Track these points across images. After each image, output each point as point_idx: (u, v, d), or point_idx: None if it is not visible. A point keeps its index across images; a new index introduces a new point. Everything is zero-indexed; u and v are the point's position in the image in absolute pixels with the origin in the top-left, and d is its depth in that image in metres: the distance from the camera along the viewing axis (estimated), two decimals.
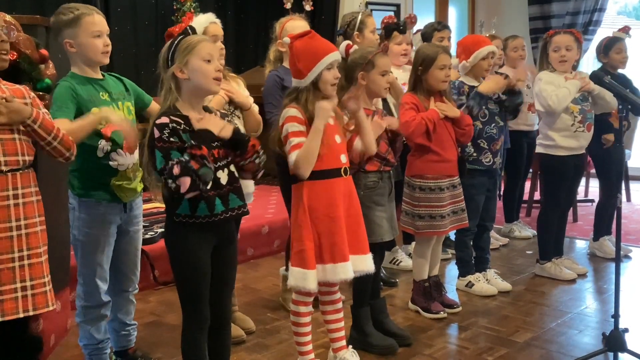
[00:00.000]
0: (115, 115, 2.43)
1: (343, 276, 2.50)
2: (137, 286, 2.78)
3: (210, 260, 2.25)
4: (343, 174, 2.55)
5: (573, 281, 3.93)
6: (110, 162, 2.46)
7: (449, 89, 3.36)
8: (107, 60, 2.52)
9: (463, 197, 3.35)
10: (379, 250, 2.93)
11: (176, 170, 2.03)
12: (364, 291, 2.98)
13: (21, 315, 2.13)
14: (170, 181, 2.04)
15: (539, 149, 3.97)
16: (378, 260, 2.94)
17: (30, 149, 2.22)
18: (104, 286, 2.59)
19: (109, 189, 2.49)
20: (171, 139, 2.10)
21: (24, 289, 2.14)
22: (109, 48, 2.51)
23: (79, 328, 2.65)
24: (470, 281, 3.75)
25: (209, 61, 2.18)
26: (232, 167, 2.27)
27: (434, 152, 3.21)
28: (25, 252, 2.15)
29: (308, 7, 3.49)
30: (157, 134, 2.11)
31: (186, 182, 2.03)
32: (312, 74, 2.46)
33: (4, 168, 2.12)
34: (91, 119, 2.39)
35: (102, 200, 2.50)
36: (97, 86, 2.50)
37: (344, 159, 2.56)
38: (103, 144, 2.44)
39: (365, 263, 2.59)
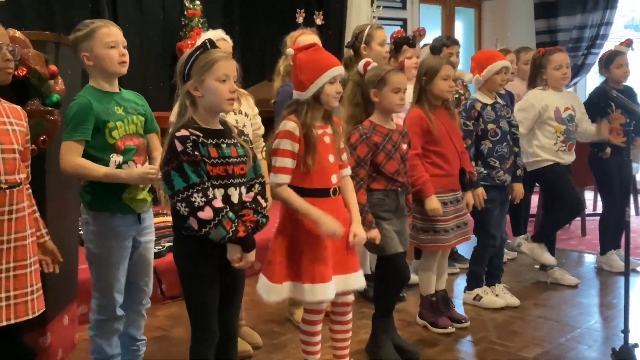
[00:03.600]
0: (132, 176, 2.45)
1: (321, 297, 2.45)
2: (149, 300, 2.76)
3: (220, 275, 2.25)
4: (332, 195, 2.52)
5: (578, 293, 3.92)
6: None
7: (453, 101, 3.37)
8: (124, 70, 2.52)
9: (465, 210, 3.35)
10: (398, 263, 2.92)
11: (216, 202, 2.09)
12: (388, 303, 2.98)
13: (4, 323, 2.15)
14: (198, 199, 2.07)
15: (529, 168, 4.04)
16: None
17: (24, 168, 2.28)
18: (119, 299, 2.58)
19: (121, 202, 2.49)
20: (195, 152, 2.11)
21: (7, 298, 2.17)
22: (126, 58, 2.51)
23: (91, 341, 2.64)
24: (478, 294, 3.73)
25: (224, 81, 2.18)
26: (243, 188, 2.27)
27: (438, 166, 3.21)
28: (12, 264, 2.19)
29: (319, 21, 3.50)
30: (179, 147, 2.10)
31: (209, 213, 2.08)
32: (313, 86, 2.44)
33: (3, 185, 2.16)
34: (108, 174, 2.42)
35: (116, 212, 2.50)
36: (112, 100, 2.50)
37: (334, 179, 2.53)
38: (115, 157, 2.46)
39: (354, 281, 2.55)
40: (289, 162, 2.43)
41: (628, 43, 4.37)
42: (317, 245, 2.46)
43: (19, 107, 2.33)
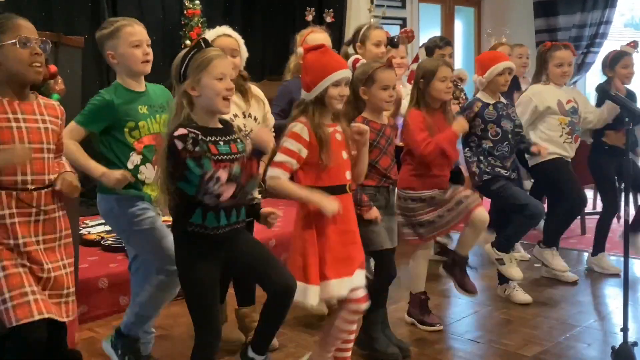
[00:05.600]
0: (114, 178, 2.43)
1: (344, 292, 2.48)
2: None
3: (228, 268, 2.30)
4: (348, 190, 2.56)
5: (577, 292, 3.92)
6: (139, 175, 2.53)
7: (450, 102, 3.38)
8: (148, 69, 2.57)
9: (460, 188, 3.30)
10: (385, 258, 2.93)
11: (223, 176, 2.04)
12: (377, 297, 2.95)
13: (36, 317, 2.09)
14: (214, 187, 2.05)
15: (530, 163, 4.07)
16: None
17: (55, 168, 2.26)
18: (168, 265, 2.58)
19: (140, 189, 2.55)
20: (196, 148, 2.10)
21: (34, 294, 2.13)
22: (149, 57, 2.57)
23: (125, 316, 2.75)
24: (502, 259, 3.68)
25: (220, 79, 2.19)
26: None
27: (424, 166, 3.21)
28: (50, 266, 2.18)
29: (329, 19, 3.50)
30: (180, 145, 2.10)
31: (230, 189, 2.06)
32: (317, 88, 2.46)
33: (30, 187, 2.15)
34: (93, 170, 2.46)
35: (135, 196, 2.55)
36: (137, 99, 2.54)
37: (348, 175, 2.56)
38: (134, 156, 2.50)
39: (358, 279, 2.56)
40: (287, 160, 2.44)
41: (634, 45, 4.37)
42: (341, 240, 2.49)
43: (56, 104, 2.31)
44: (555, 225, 4.13)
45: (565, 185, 4.01)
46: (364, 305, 2.58)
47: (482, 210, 3.20)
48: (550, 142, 3.95)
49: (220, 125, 2.28)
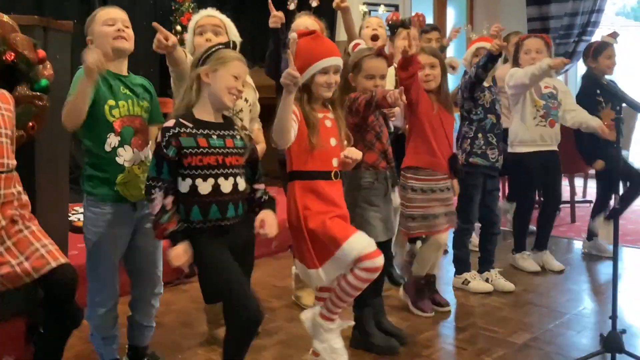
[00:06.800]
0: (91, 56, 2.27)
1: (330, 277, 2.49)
2: (161, 289, 2.74)
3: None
4: (333, 178, 2.53)
5: (567, 280, 3.94)
6: (117, 158, 2.45)
7: (446, 85, 3.37)
8: (120, 44, 2.50)
9: (452, 201, 3.35)
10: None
11: (160, 200, 2.20)
12: (364, 292, 2.96)
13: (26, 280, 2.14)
14: (149, 194, 2.22)
15: (508, 149, 4.10)
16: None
17: (13, 153, 2.24)
18: (113, 285, 2.55)
19: (115, 189, 2.47)
20: (165, 150, 2.18)
21: (19, 264, 2.13)
22: (123, 34, 2.50)
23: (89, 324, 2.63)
24: (466, 279, 3.76)
25: (236, 78, 2.27)
26: (239, 179, 2.30)
27: (428, 143, 3.21)
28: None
29: (314, 3, 3.46)
30: (159, 137, 2.21)
31: (155, 207, 2.21)
32: (305, 75, 2.43)
33: None
34: (81, 84, 2.31)
35: (107, 200, 2.47)
36: (118, 80, 2.50)
37: (335, 162, 2.53)
38: (112, 138, 2.44)
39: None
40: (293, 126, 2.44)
41: (614, 35, 4.39)
42: (327, 225, 2.45)
43: (5, 91, 2.30)
44: (518, 227, 4.19)
45: (523, 186, 4.12)
46: (379, 260, 2.47)
47: (444, 236, 3.34)
48: (523, 125, 3.98)
49: (220, 120, 2.32)
